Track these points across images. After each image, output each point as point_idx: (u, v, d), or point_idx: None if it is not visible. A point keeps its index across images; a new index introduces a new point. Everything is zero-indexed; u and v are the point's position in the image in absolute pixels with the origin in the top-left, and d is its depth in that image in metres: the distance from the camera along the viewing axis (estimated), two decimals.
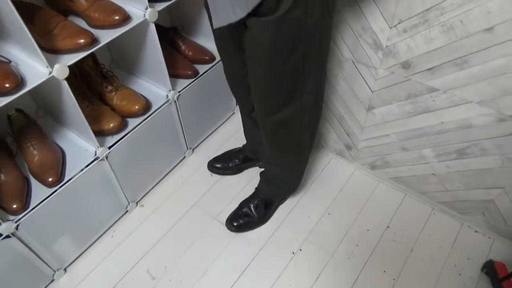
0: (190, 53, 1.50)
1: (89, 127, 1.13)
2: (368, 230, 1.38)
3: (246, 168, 1.56)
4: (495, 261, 1.23)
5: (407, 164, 1.37)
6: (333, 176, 1.54)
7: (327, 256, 1.32)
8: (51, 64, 0.96)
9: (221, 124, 1.74)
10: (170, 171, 1.58)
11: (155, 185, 1.53)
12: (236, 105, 1.76)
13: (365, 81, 1.25)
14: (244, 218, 1.37)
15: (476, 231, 1.35)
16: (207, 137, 1.70)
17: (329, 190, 1.50)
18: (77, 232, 1.28)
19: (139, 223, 1.43)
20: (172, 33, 1.50)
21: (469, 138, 1.15)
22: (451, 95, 1.09)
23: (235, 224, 1.37)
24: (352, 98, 1.33)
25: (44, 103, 1.27)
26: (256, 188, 1.42)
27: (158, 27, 1.18)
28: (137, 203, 1.48)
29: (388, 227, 1.38)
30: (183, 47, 1.50)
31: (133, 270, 1.31)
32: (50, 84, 1.00)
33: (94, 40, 1.03)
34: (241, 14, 0.81)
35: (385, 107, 1.27)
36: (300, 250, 1.34)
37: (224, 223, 1.40)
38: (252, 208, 1.37)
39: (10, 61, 0.97)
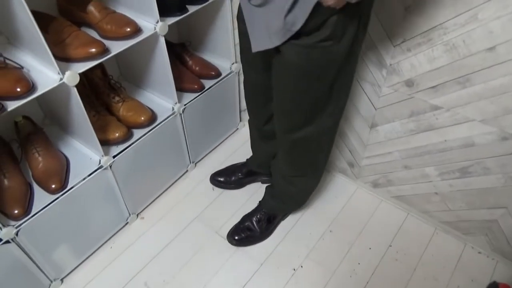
0: (197, 68, 1.53)
1: (94, 135, 1.14)
2: (370, 248, 1.36)
3: (249, 183, 1.56)
4: (499, 283, 1.22)
5: (409, 183, 1.38)
6: (336, 193, 1.54)
7: (329, 274, 1.30)
8: (63, 71, 0.98)
9: (225, 140, 1.76)
10: (172, 184, 1.58)
11: (157, 197, 1.53)
12: (240, 120, 1.78)
13: (369, 99, 1.27)
14: (246, 232, 1.36)
15: (480, 252, 1.34)
16: (210, 151, 1.71)
17: (331, 208, 1.49)
18: (76, 242, 1.27)
19: (139, 236, 1.42)
20: (179, 49, 1.54)
21: (472, 156, 1.15)
22: (454, 113, 1.11)
23: (236, 238, 1.35)
24: (356, 115, 1.35)
25: (51, 111, 1.28)
26: (260, 202, 1.42)
27: (166, 42, 1.21)
28: (137, 215, 1.47)
29: (391, 245, 1.37)
30: (190, 62, 1.53)
31: (131, 283, 1.29)
32: (60, 90, 1.02)
33: (105, 50, 1.05)
34: (277, 42, 0.85)
35: (388, 124, 1.28)
36: (301, 266, 1.32)
37: (226, 237, 1.39)
38: (255, 222, 1.37)
39: (22, 67, 0.99)
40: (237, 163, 1.59)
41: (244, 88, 1.23)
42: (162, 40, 1.19)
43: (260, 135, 1.33)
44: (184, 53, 1.54)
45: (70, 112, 1.13)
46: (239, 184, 1.55)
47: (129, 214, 1.42)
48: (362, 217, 1.46)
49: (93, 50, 1.03)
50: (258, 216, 1.38)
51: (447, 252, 1.34)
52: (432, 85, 1.10)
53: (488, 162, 1.13)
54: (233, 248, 1.37)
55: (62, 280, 1.28)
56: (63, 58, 1.03)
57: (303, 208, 1.48)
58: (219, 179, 1.55)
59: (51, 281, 1.25)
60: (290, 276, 1.29)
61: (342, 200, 1.51)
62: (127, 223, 1.44)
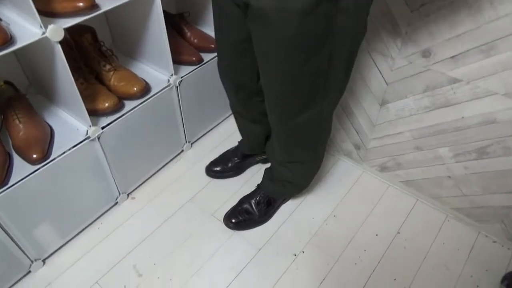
0: (196, 40, 1.43)
1: (82, 103, 1.04)
2: (376, 235, 1.27)
3: (248, 166, 1.46)
4: None
5: (420, 166, 1.28)
6: (340, 178, 1.44)
7: (332, 260, 1.21)
8: (45, 25, 0.88)
9: (222, 121, 1.66)
10: (166, 164, 1.48)
11: (149, 177, 1.43)
12: None
13: (380, 72, 1.18)
14: (244, 215, 1.27)
15: (495, 241, 1.25)
16: (207, 132, 1.61)
17: (335, 192, 1.40)
18: (60, 220, 1.17)
19: (129, 216, 1.32)
20: (178, 19, 1.44)
21: (491, 135, 1.06)
22: (474, 86, 1.02)
23: (233, 220, 1.26)
24: (365, 91, 1.26)
25: (36, 77, 1.18)
26: (258, 184, 1.32)
27: (164, 13, 1.12)
28: (128, 195, 1.37)
29: (399, 232, 1.28)
30: (188, 34, 1.44)
31: (118, 265, 1.19)
32: (43, 47, 0.92)
33: (94, 5, 0.95)
34: None
35: (400, 101, 1.19)
36: (303, 252, 1.23)
37: (222, 220, 1.30)
38: (253, 205, 1.27)
39: (0, 19, 0.89)
40: (230, 148, 1.48)
41: (220, 70, 1.10)
42: (158, 1, 1.09)
43: (251, 117, 1.23)
44: (182, 24, 1.44)
45: (55, 75, 1.03)
46: (238, 169, 1.44)
47: (119, 193, 1.33)
48: (368, 202, 1.37)
49: (81, 4, 0.93)
50: (257, 199, 1.28)
51: (459, 240, 1.26)
52: (451, 55, 1.01)
53: (509, 141, 1.04)
54: (230, 232, 1.28)
55: (44, 261, 1.19)
56: (47, 12, 0.93)
57: (304, 192, 1.39)
58: (215, 169, 1.43)
59: (32, 261, 1.15)
60: (290, 262, 1.20)
61: (347, 185, 1.42)
62: (117, 203, 1.34)
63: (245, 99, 1.13)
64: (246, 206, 1.28)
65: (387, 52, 1.12)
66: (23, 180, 0.99)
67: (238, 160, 1.44)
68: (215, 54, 1.40)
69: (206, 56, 1.40)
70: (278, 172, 1.20)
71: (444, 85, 1.07)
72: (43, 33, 0.88)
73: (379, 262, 1.20)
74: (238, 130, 1.36)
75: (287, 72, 0.82)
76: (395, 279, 1.16)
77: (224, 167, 1.43)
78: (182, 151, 1.52)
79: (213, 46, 1.42)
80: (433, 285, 1.15)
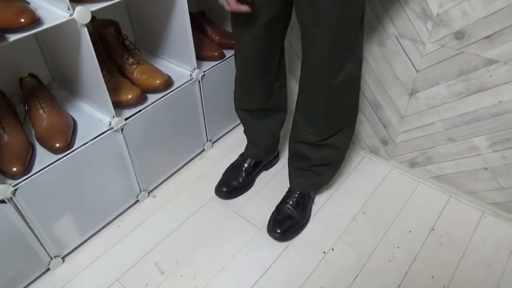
0: (217, 37, 1.43)
1: (106, 90, 1.03)
2: (410, 231, 1.20)
3: (256, 177, 1.38)
4: None
5: (453, 158, 1.22)
6: (366, 176, 1.39)
7: (364, 257, 1.14)
8: (73, 8, 0.87)
9: None
10: (187, 163, 1.45)
11: (170, 176, 1.40)
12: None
13: (410, 59, 1.14)
14: (288, 221, 1.19)
15: None
16: (227, 132, 1.58)
17: (362, 189, 1.34)
18: (81, 216, 1.13)
19: (150, 214, 1.28)
20: (199, 17, 1.44)
21: None
22: None
23: (279, 230, 1.17)
24: (392, 81, 1.22)
25: (59, 69, 1.17)
26: (289, 187, 1.26)
27: None
28: (149, 193, 1.34)
29: (433, 229, 1.21)
30: (209, 31, 1.43)
31: (140, 263, 1.14)
32: (69, 30, 0.92)
33: None
34: None
35: (431, 89, 1.15)
36: (332, 249, 1.16)
37: (246, 217, 1.25)
38: (292, 208, 1.20)
39: (28, 3, 0.88)
40: (232, 164, 1.39)
41: (240, 64, 1.11)
42: None
43: (259, 117, 1.21)
44: (203, 22, 1.44)
45: (79, 62, 1.02)
46: (247, 184, 1.34)
47: (140, 191, 1.29)
48: (397, 200, 1.30)
49: None
50: (294, 201, 1.22)
51: (499, 236, 1.18)
52: (486, 35, 0.97)
53: None
54: (255, 229, 1.22)
55: (63, 258, 1.15)
56: None
57: (331, 187, 1.34)
58: (223, 189, 1.31)
59: (51, 258, 1.11)
60: (320, 259, 1.14)
61: (375, 182, 1.36)
62: (138, 200, 1.30)
63: (269, 85, 1.12)
64: (286, 211, 1.21)
65: (417, 37, 1.09)
66: (46, 169, 0.97)
67: (245, 175, 1.34)
68: None
69: (228, 53, 1.39)
70: (316, 158, 1.13)
71: (479, 68, 1.02)
72: (71, 14, 0.87)
73: (414, 259, 1.13)
74: (246, 135, 1.33)
75: (335, 17, 0.84)
76: (433, 277, 1.09)
77: (230, 187, 1.32)
78: (204, 150, 1.49)
79: (234, 42, 1.40)
80: (475, 283, 1.07)
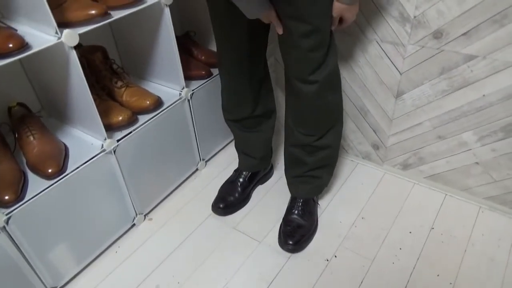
0: (203, 57, 1.45)
1: (96, 113, 1.03)
2: (410, 232, 1.20)
3: (252, 190, 1.38)
4: None
5: (444, 156, 1.24)
6: (361, 182, 1.39)
7: (368, 262, 1.13)
8: (61, 31, 0.88)
9: None
10: (182, 183, 1.43)
11: (165, 197, 1.38)
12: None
13: (392, 62, 1.17)
14: (298, 231, 1.17)
15: None
16: (220, 149, 1.58)
17: (358, 195, 1.34)
18: (77, 243, 1.11)
19: (147, 237, 1.25)
20: (184, 39, 1.46)
21: None
22: (491, 60, 1.01)
23: (291, 242, 1.15)
24: (378, 85, 1.25)
25: (48, 96, 1.17)
26: (292, 197, 1.26)
27: None
28: (145, 216, 1.32)
29: (433, 228, 1.21)
30: (195, 52, 1.46)
31: (141, 287, 1.11)
32: (57, 53, 0.92)
33: (106, 13, 0.97)
34: None
35: (416, 89, 1.18)
36: (335, 256, 1.15)
37: (245, 232, 1.23)
38: (299, 217, 1.20)
39: (16, 30, 0.89)
40: (227, 180, 1.38)
41: (226, 76, 1.15)
42: (167, 12, 1.11)
43: (251, 125, 1.23)
44: (188, 43, 1.46)
45: (69, 86, 1.02)
46: (243, 199, 1.33)
47: (136, 214, 1.27)
48: (394, 202, 1.31)
49: (93, 12, 0.94)
50: (299, 210, 1.21)
51: (498, 230, 1.18)
52: (463, 31, 1.01)
53: None
54: (255, 243, 1.21)
55: None
56: (61, 22, 0.93)
57: (326, 196, 1.34)
58: (220, 205, 1.30)
59: None
60: (323, 267, 1.12)
61: (370, 187, 1.37)
62: (134, 224, 1.28)
63: (255, 91, 1.15)
64: (294, 222, 1.19)
65: (397, 40, 1.13)
66: (39, 195, 0.95)
67: (240, 190, 1.33)
68: None
69: (215, 71, 1.41)
70: (312, 162, 1.13)
71: (460, 64, 1.06)
72: (59, 38, 0.88)
73: (417, 259, 1.13)
74: (238, 147, 1.33)
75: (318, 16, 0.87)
76: (438, 275, 1.08)
77: (227, 202, 1.31)
78: (197, 169, 1.49)
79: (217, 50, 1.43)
80: (481, 277, 1.07)
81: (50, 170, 0.98)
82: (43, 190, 0.96)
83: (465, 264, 1.10)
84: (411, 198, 1.31)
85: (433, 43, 1.07)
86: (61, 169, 1.00)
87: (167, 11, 1.11)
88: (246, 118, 1.21)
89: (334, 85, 1.01)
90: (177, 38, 1.44)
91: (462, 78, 1.08)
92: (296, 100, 1.02)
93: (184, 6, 1.48)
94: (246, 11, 0.87)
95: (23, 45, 0.83)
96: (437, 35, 1.05)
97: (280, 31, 0.92)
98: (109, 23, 0.98)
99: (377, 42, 1.17)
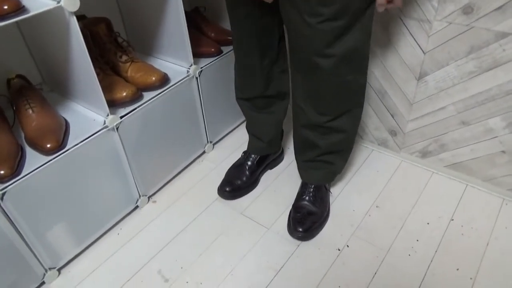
0: (213, 34, 1.38)
1: (99, 86, 0.97)
2: (428, 223, 1.13)
3: (261, 174, 1.32)
4: None
5: (468, 143, 1.16)
6: (376, 169, 1.32)
7: (382, 253, 1.06)
8: None
9: (243, 122, 1.57)
10: (188, 166, 1.38)
11: (170, 180, 1.33)
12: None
13: (415, 41, 1.09)
14: (309, 218, 1.11)
15: None
16: (228, 132, 1.52)
17: (373, 183, 1.27)
18: (77, 223, 1.06)
19: (151, 220, 1.20)
20: (193, 14, 1.40)
21: None
22: None
23: (300, 229, 1.09)
24: (398, 65, 1.16)
25: (49, 68, 1.11)
26: (302, 182, 1.20)
27: None
28: (149, 198, 1.26)
29: (452, 219, 1.14)
30: (205, 28, 1.39)
31: (142, 272, 1.06)
32: (57, 20, 0.86)
33: None
34: None
35: (440, 70, 1.09)
36: (347, 246, 1.08)
37: (252, 218, 1.17)
38: (310, 204, 1.13)
39: None
40: (234, 163, 1.32)
41: (239, 54, 1.08)
42: None
43: (261, 103, 1.16)
44: (198, 19, 1.40)
45: (69, 58, 0.96)
46: (251, 183, 1.27)
47: (140, 196, 1.22)
48: (411, 192, 1.23)
49: None
50: (311, 195, 1.15)
51: None
52: (497, 6, 0.92)
53: None
54: (263, 229, 1.15)
55: (59, 270, 1.06)
56: None
57: (339, 183, 1.27)
58: (227, 189, 1.25)
59: (46, 270, 1.03)
60: (335, 257, 1.06)
61: (386, 175, 1.29)
62: (137, 206, 1.23)
63: (268, 70, 1.08)
64: (304, 209, 1.13)
65: (422, 16, 1.04)
66: (36, 171, 0.90)
67: (248, 174, 1.27)
68: None
69: (225, 49, 1.34)
70: (324, 145, 1.05)
71: (491, 43, 0.97)
72: (58, 2, 0.82)
73: (436, 251, 1.06)
74: (248, 128, 1.27)
75: None
76: (458, 269, 1.01)
77: (234, 186, 1.25)
78: (204, 152, 1.43)
79: (230, 38, 1.36)
80: (504, 272, 0.99)
81: (48, 145, 0.93)
82: (40, 166, 0.91)
83: (487, 258, 1.03)
84: (430, 188, 1.24)
85: (462, 19, 0.98)
86: (60, 145, 0.95)
87: None
88: (258, 97, 1.14)
89: (355, 64, 0.91)
90: (186, 13, 1.36)
91: (492, 58, 0.99)
92: (309, 75, 0.94)
93: None
94: None
95: (19, 7, 0.77)
96: (467, 10, 0.96)
97: None
98: None
99: (400, 18, 1.08)
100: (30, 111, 0.97)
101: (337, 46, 0.85)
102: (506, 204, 1.17)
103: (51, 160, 0.92)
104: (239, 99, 1.20)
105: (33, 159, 0.93)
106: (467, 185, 1.23)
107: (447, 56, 1.06)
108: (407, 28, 1.09)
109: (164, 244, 1.13)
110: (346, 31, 0.84)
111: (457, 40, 1.02)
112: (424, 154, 1.28)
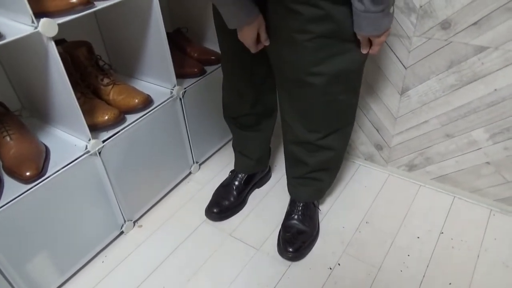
0: (195, 54, 1.38)
1: (79, 111, 0.95)
2: (418, 237, 1.13)
3: (249, 194, 1.30)
4: None
5: (453, 156, 1.17)
6: (364, 184, 1.32)
7: (374, 270, 1.05)
8: (37, 21, 0.81)
9: (229, 140, 1.56)
10: (174, 187, 1.35)
11: (156, 203, 1.30)
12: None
13: (396, 56, 1.11)
14: (299, 237, 1.09)
15: None
16: (215, 152, 1.50)
17: (362, 199, 1.27)
18: (59, 252, 1.02)
19: (137, 245, 1.17)
20: (175, 35, 1.39)
21: None
22: (504, 51, 0.94)
23: (291, 249, 1.07)
24: (381, 81, 1.18)
25: (29, 94, 1.09)
26: (291, 200, 1.18)
27: None
28: (134, 223, 1.23)
29: (442, 232, 1.13)
30: (188, 49, 1.38)
31: None
32: (35, 45, 0.85)
33: (88, 2, 0.89)
34: None
35: (422, 85, 1.11)
36: (339, 264, 1.07)
37: (241, 239, 1.15)
38: (300, 223, 1.12)
39: None
40: (221, 183, 1.30)
41: (228, 72, 1.08)
42: (156, 4, 1.04)
43: (249, 121, 1.14)
44: (180, 40, 1.39)
45: (49, 83, 0.94)
46: (239, 204, 1.25)
47: (124, 221, 1.19)
48: (400, 206, 1.23)
49: (74, 0, 0.87)
50: (299, 214, 1.13)
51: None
52: (474, 21, 0.94)
53: None
54: (252, 251, 1.12)
55: None
56: (40, 12, 0.85)
57: (327, 201, 1.26)
58: (214, 210, 1.22)
59: None
60: (326, 276, 1.04)
61: (374, 190, 1.29)
62: (122, 232, 1.19)
63: (256, 86, 1.07)
64: (293, 228, 1.11)
65: (402, 32, 1.06)
66: (15, 200, 0.87)
67: (236, 194, 1.25)
68: (218, 65, 1.34)
69: (209, 69, 1.33)
70: (313, 163, 1.04)
71: (470, 57, 0.99)
72: (35, 27, 0.80)
73: (427, 266, 1.05)
74: (235, 146, 1.26)
75: None
76: (450, 283, 1.00)
77: (222, 207, 1.23)
78: (190, 173, 1.40)
79: (213, 58, 1.36)
80: (496, 285, 0.99)
81: (28, 173, 0.90)
82: (19, 195, 0.87)
83: (479, 271, 1.03)
84: (418, 201, 1.24)
85: (441, 34, 1.00)
86: (40, 172, 0.92)
87: (156, 3, 1.04)
88: (245, 115, 1.13)
89: (348, 85, 0.90)
90: (168, 34, 1.36)
91: (472, 72, 1.01)
92: (296, 93, 0.93)
93: (175, 3, 1.41)
94: (229, 17, 0.81)
95: None
96: (445, 25, 0.98)
97: (267, 42, 0.87)
98: (96, 17, 0.90)
99: None
100: (8, 139, 0.95)
101: (325, 65, 0.83)
102: (494, 215, 1.17)
103: (30, 188, 0.89)
104: (226, 117, 1.19)
105: (12, 188, 0.90)
106: (454, 197, 1.24)
107: (428, 71, 1.07)
108: (387, 44, 1.10)
109: (152, 270, 1.09)
110: (337, 51, 0.82)
111: (437, 54, 1.04)
112: (411, 167, 1.29)
